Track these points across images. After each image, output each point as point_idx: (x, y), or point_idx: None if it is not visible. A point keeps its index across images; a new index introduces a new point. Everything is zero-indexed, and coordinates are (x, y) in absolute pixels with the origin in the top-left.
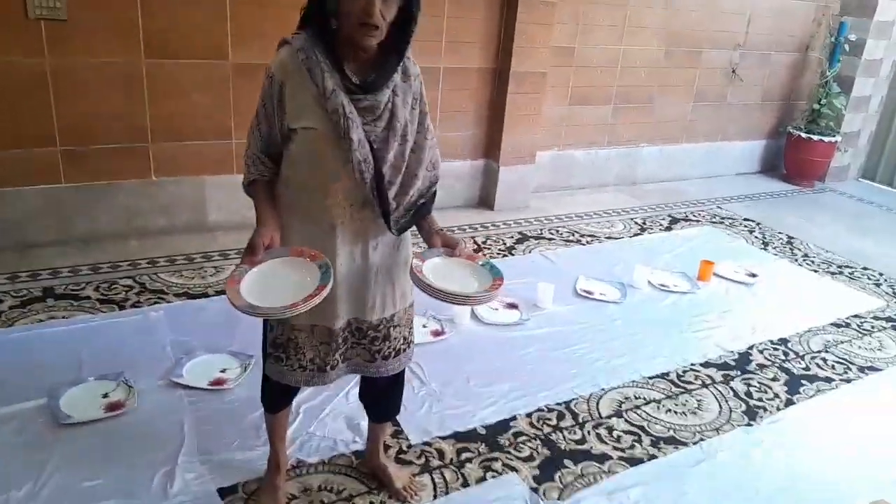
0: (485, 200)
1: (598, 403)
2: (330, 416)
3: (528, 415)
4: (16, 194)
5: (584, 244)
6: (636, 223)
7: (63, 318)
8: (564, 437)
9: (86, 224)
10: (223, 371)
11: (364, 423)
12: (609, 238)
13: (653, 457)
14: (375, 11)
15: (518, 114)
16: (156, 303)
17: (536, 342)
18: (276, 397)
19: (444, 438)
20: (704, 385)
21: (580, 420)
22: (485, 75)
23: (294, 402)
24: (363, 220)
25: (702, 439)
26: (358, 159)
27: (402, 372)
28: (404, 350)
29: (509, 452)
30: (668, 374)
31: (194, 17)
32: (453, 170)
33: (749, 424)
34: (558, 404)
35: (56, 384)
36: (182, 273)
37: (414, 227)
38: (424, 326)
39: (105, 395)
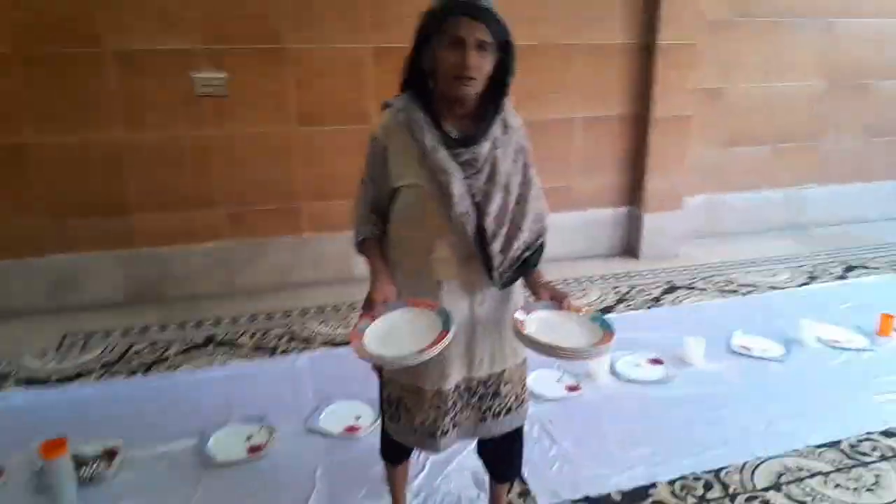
0: (629, 249)
1: (752, 474)
2: (456, 470)
3: (671, 482)
4: (185, 251)
5: (742, 294)
6: (804, 271)
7: (219, 364)
8: None
9: (246, 278)
10: (357, 418)
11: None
12: (772, 288)
13: None
14: (470, 63)
15: (661, 159)
16: (303, 350)
17: (683, 402)
18: (394, 450)
19: (575, 502)
20: (884, 457)
21: (731, 491)
22: (624, 122)
23: (422, 455)
24: (469, 275)
25: None
26: (459, 212)
27: (520, 431)
28: (516, 408)
29: None
30: (838, 443)
31: (339, 88)
32: (594, 218)
33: None
34: (706, 472)
35: (207, 426)
36: (329, 322)
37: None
38: (559, 381)
39: (248, 438)
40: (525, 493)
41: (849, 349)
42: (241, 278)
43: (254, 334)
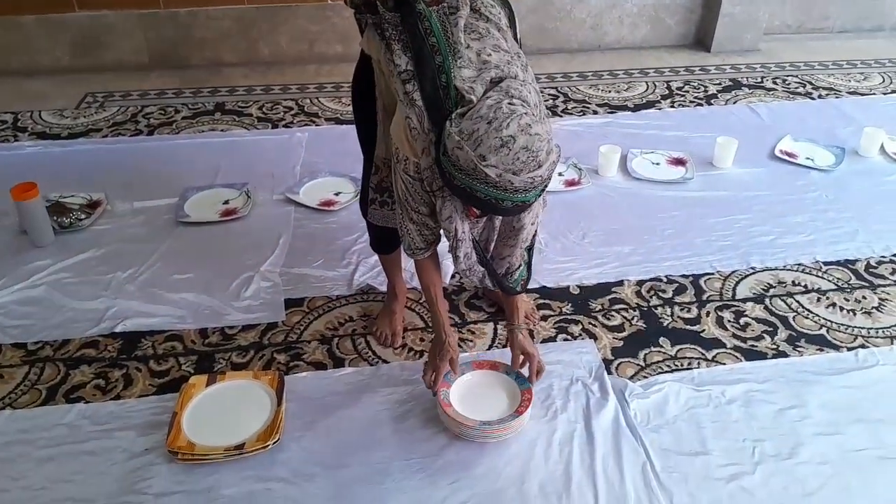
0: (701, 40)
1: (737, 284)
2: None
3: (640, 282)
4: (205, 14)
5: (813, 98)
6: None
7: (221, 130)
8: (673, 313)
9: (270, 47)
10: (336, 194)
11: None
12: (853, 93)
13: (781, 354)
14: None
15: None
16: (306, 125)
17: (692, 205)
18: (384, 241)
19: (527, 291)
20: None
21: (704, 298)
22: None
23: None
24: None
25: (863, 346)
26: (463, 269)
27: None
28: None
29: (595, 318)
30: (854, 262)
31: None
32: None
33: None
34: (684, 276)
35: (189, 187)
36: (342, 100)
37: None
38: (561, 175)
39: (225, 202)
40: None
41: None
42: (265, 48)
43: (263, 105)
